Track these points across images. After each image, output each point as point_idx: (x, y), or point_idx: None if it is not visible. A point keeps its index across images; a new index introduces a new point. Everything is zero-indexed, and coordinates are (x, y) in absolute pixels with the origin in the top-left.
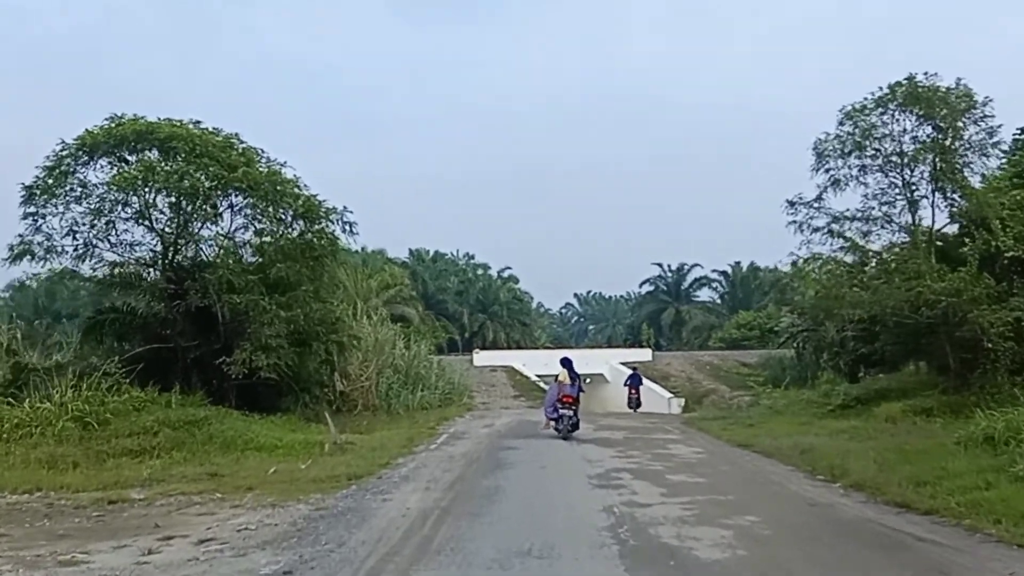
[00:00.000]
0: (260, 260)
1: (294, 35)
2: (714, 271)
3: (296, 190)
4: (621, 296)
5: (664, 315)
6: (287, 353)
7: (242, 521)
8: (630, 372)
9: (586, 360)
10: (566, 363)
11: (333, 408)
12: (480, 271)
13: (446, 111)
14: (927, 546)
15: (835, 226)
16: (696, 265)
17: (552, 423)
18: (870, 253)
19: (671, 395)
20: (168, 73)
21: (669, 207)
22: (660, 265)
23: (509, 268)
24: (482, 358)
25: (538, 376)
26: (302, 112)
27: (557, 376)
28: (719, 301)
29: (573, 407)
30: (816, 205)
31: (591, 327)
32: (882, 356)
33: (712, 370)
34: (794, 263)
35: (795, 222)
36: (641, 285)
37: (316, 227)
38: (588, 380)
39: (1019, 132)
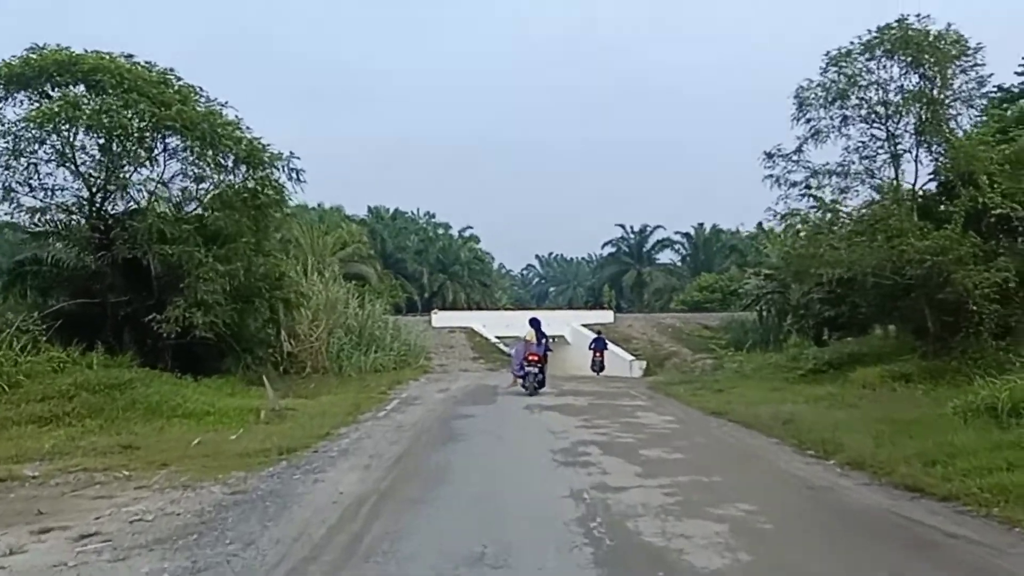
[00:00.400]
0: (197, 209)
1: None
2: (677, 232)
3: (238, 133)
4: (583, 258)
5: (626, 277)
6: (225, 311)
7: (141, 508)
8: (594, 336)
9: (547, 322)
10: (534, 323)
11: (280, 370)
12: (441, 230)
13: (413, 74)
14: (961, 544)
15: (813, 180)
16: (659, 227)
17: (519, 380)
18: (849, 209)
19: (632, 358)
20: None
21: (632, 169)
22: (622, 226)
23: (471, 228)
24: (441, 319)
25: (498, 338)
26: (263, 72)
27: (525, 336)
28: (681, 263)
29: (539, 365)
30: (795, 158)
31: (552, 289)
32: (849, 319)
33: (674, 333)
34: (759, 225)
35: (772, 176)
36: (603, 247)
37: (260, 174)
38: (554, 340)
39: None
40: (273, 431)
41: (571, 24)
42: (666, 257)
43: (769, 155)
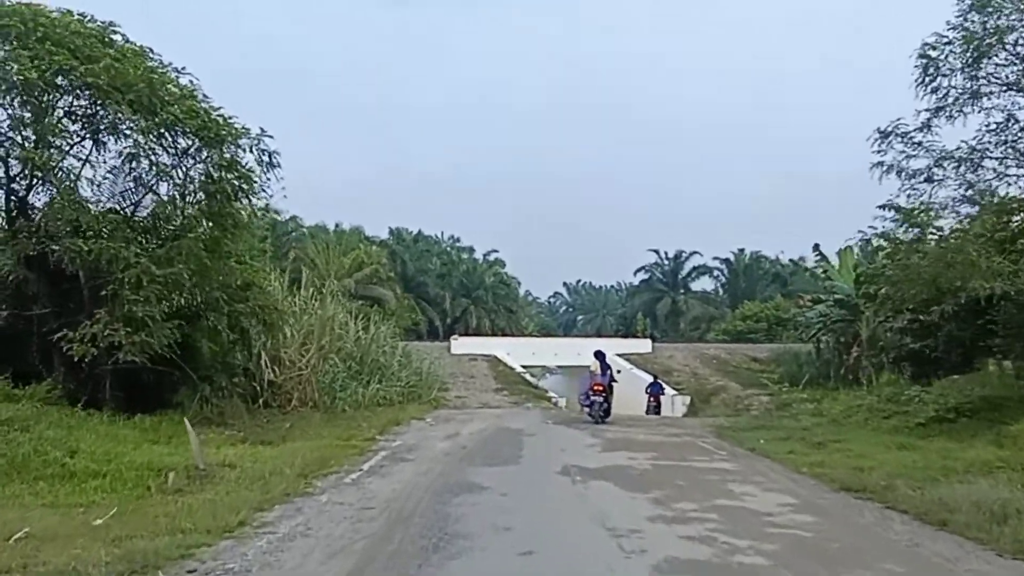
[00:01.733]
0: (133, 195)
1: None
2: (715, 259)
3: (191, 102)
4: (611, 286)
5: (660, 305)
6: (162, 328)
7: None
8: (650, 379)
9: (577, 351)
10: (599, 355)
11: (259, 403)
12: (465, 254)
13: (441, 100)
14: None
15: (938, 170)
16: (695, 253)
17: (586, 409)
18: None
19: (675, 392)
20: None
21: (665, 195)
22: (656, 252)
23: (495, 251)
24: (461, 345)
25: (524, 367)
26: (290, 95)
27: (590, 367)
28: (719, 291)
29: (604, 394)
30: (918, 138)
31: (580, 317)
32: (945, 353)
33: (719, 365)
34: (816, 248)
35: (881, 164)
36: (636, 273)
37: (220, 154)
38: (619, 372)
39: None
40: (169, 510)
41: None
42: (703, 285)
43: (884, 134)
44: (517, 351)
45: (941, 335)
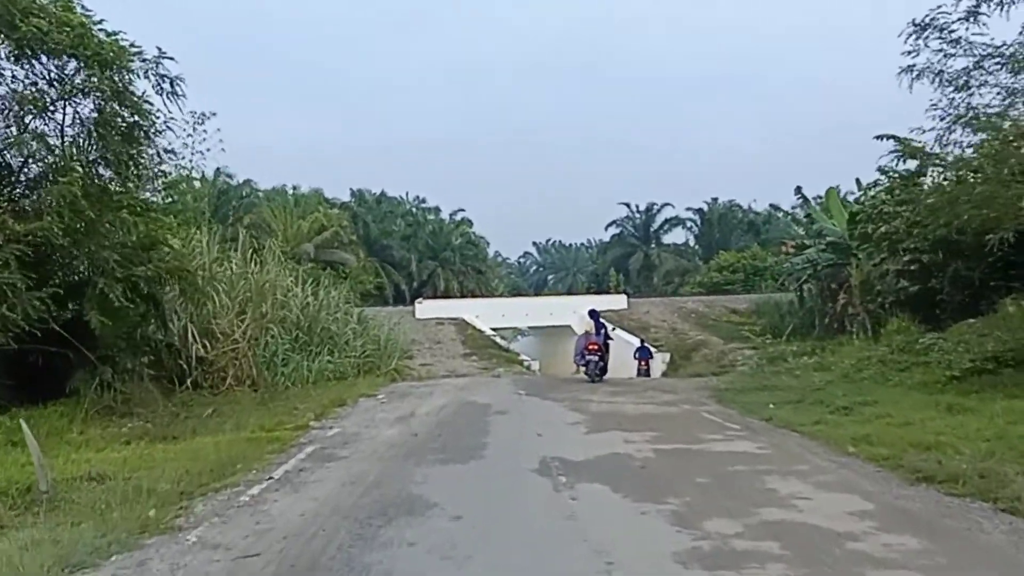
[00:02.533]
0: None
1: None
2: (688, 209)
3: (67, 14)
4: (582, 244)
5: (632, 260)
6: (30, 299)
7: None
8: (637, 344)
9: (551, 310)
10: (593, 314)
11: (185, 385)
12: (431, 215)
13: (402, 61)
14: None
15: (976, 74)
16: (667, 204)
17: (582, 369)
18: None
19: (654, 349)
20: None
21: (636, 152)
22: (627, 205)
23: (462, 210)
24: (427, 309)
25: (494, 330)
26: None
27: (584, 327)
28: (692, 243)
29: (600, 353)
30: (958, 31)
31: (551, 277)
32: (946, 295)
33: (698, 318)
34: (799, 190)
35: (912, 68)
36: (607, 228)
37: (108, 80)
38: (614, 329)
39: None
40: None
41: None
42: (676, 237)
43: (920, 27)
44: (486, 313)
45: (946, 275)
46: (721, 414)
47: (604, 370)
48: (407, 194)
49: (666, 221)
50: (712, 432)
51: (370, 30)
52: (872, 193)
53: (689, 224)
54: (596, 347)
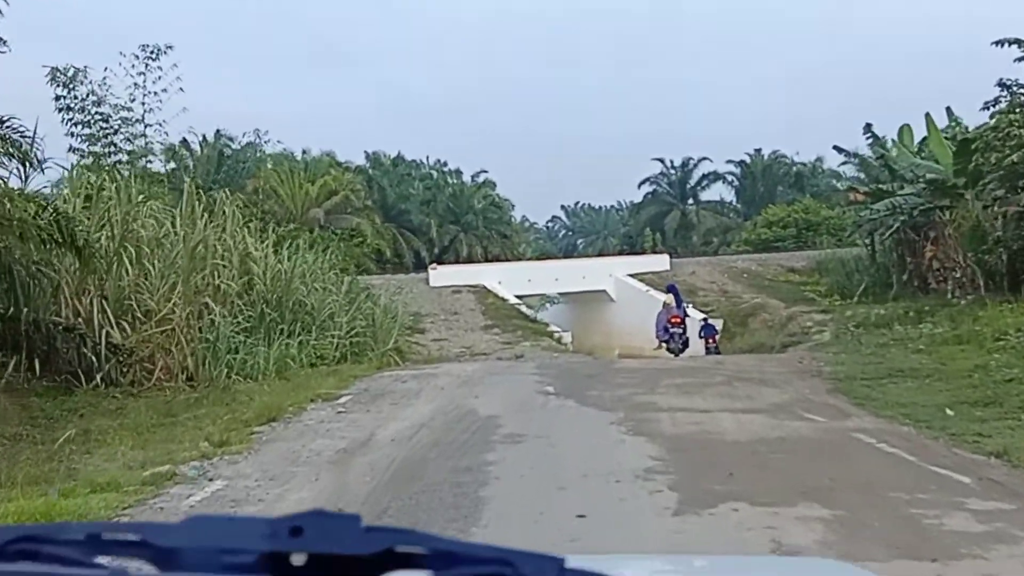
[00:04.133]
0: None
1: None
2: (729, 162)
3: None
4: (612, 206)
5: (668, 219)
6: None
7: None
8: (700, 321)
9: (583, 273)
10: (672, 289)
11: (94, 382)
12: (452, 178)
13: (421, 24)
14: None
15: None
16: (704, 159)
17: (664, 344)
18: None
19: (703, 316)
20: None
21: (668, 112)
22: (661, 161)
23: (485, 172)
24: (442, 276)
25: (519, 298)
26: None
27: (664, 301)
28: (734, 200)
29: (682, 327)
30: None
31: (580, 241)
32: None
33: (751, 279)
34: (868, 128)
35: None
36: (639, 186)
37: None
38: (687, 304)
39: None
40: None
41: None
42: (715, 194)
43: None
44: (510, 279)
45: None
46: (891, 436)
47: (687, 344)
48: (427, 158)
49: (704, 176)
50: (936, 502)
51: None
52: (992, 115)
53: (730, 179)
54: (679, 320)
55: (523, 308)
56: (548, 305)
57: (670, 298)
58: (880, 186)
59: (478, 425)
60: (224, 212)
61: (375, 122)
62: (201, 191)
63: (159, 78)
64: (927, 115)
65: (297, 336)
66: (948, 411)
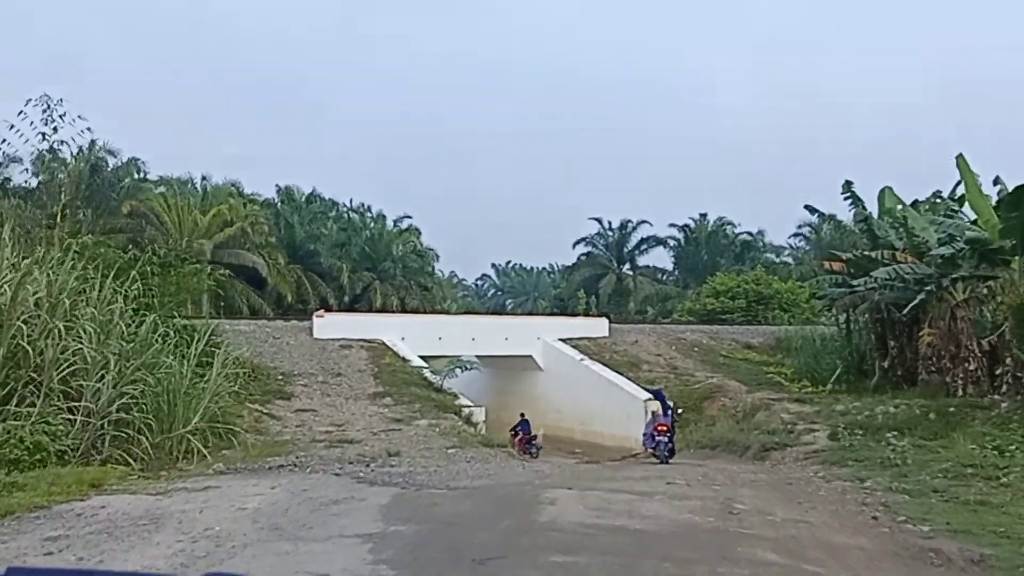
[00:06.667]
0: None
1: None
2: (672, 226)
3: None
4: (544, 268)
5: (603, 283)
6: None
7: None
8: (648, 397)
9: (506, 333)
10: (658, 396)
11: None
12: (371, 220)
13: (353, 71)
14: None
15: None
16: (644, 222)
17: (651, 451)
18: None
19: (648, 396)
20: None
21: (602, 168)
22: (599, 220)
23: (409, 217)
24: (329, 326)
25: (424, 359)
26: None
27: (652, 409)
28: (674, 266)
29: (668, 435)
30: None
31: (509, 301)
32: None
33: (703, 353)
34: (848, 186)
35: None
36: (574, 246)
37: None
38: (680, 410)
39: None
40: None
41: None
42: (654, 259)
43: None
44: (416, 335)
45: None
46: None
47: (672, 452)
48: (351, 201)
49: (643, 240)
50: None
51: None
52: None
53: (672, 244)
54: (665, 428)
55: (427, 373)
56: (459, 371)
57: (657, 406)
58: (868, 253)
59: None
60: None
61: (297, 164)
62: None
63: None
64: (884, 188)
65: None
66: None
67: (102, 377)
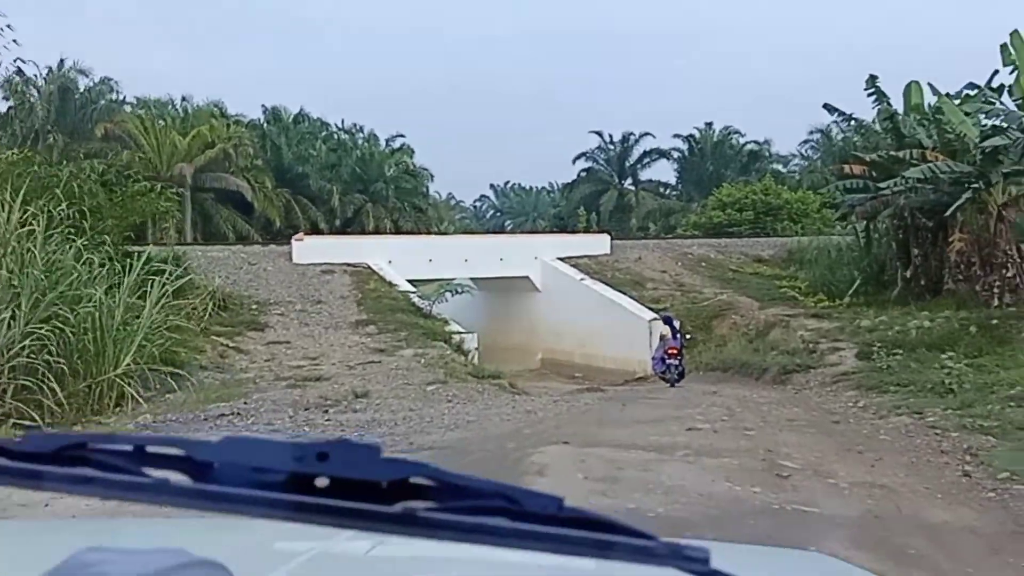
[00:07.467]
0: None
1: None
2: (676, 136)
3: None
4: (543, 187)
5: (604, 199)
6: None
7: None
8: (656, 319)
9: (500, 254)
10: (668, 321)
11: None
12: (363, 140)
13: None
14: None
15: None
16: (646, 134)
17: (660, 375)
18: None
19: (652, 316)
20: None
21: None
22: (599, 134)
23: (401, 136)
24: (308, 250)
25: (413, 283)
26: None
27: (661, 332)
28: (677, 180)
29: (679, 358)
30: None
31: (508, 222)
32: None
33: (710, 269)
34: (871, 80)
35: None
36: (574, 161)
37: None
38: (688, 334)
39: None
40: None
41: None
42: (657, 173)
43: None
44: (404, 258)
45: None
46: None
47: (683, 374)
48: (342, 121)
49: (645, 153)
50: None
51: None
52: None
53: (675, 156)
54: (676, 351)
55: (415, 298)
56: (449, 295)
57: (667, 330)
58: (894, 153)
59: None
60: None
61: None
62: None
63: None
64: (910, 83)
65: None
66: None
67: (13, 315)
